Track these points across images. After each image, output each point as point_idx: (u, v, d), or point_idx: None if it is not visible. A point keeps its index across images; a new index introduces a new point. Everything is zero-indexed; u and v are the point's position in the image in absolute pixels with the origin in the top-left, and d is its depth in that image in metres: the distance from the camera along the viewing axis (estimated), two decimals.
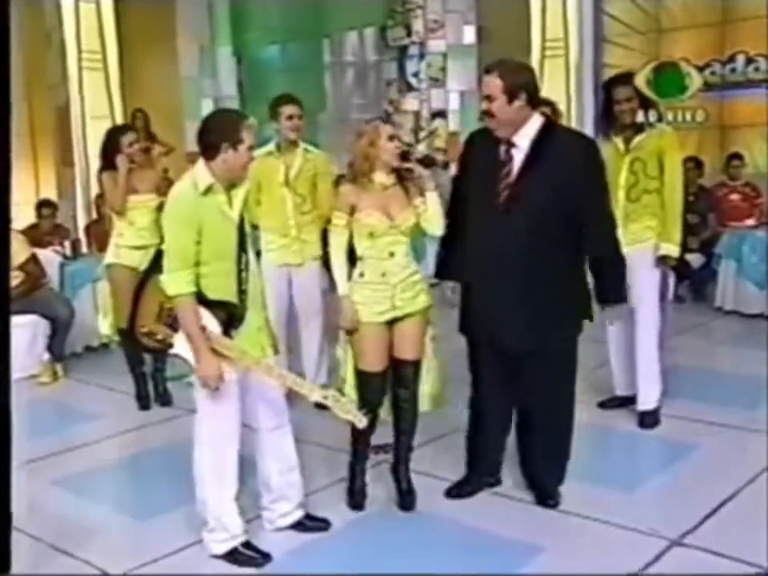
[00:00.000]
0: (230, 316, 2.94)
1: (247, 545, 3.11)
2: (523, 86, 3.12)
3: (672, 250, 4.18)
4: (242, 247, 2.97)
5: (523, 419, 3.47)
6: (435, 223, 3.37)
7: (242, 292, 2.96)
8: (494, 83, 3.12)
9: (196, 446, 3.05)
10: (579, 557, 3.04)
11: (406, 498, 3.47)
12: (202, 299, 2.90)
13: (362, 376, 3.35)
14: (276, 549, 3.16)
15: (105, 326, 5.36)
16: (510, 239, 3.15)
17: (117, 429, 4.70)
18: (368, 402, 3.27)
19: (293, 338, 4.82)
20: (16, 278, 5.65)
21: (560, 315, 3.22)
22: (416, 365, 3.38)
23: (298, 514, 3.30)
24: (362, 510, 3.47)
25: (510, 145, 3.19)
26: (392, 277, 3.29)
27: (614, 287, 3.31)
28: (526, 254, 3.14)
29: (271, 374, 3.01)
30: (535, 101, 3.18)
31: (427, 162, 3.43)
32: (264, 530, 3.29)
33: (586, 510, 3.35)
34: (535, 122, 3.18)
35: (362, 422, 2.98)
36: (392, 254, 3.30)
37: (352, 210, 3.30)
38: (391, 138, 3.29)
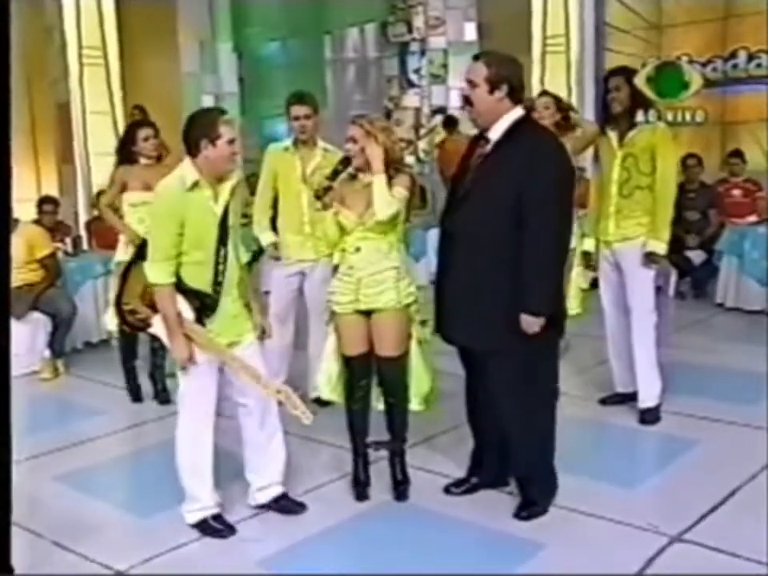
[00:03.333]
0: (202, 304, 3.13)
1: (216, 518, 3.27)
2: (506, 78, 3.09)
3: (659, 247, 4.17)
4: (221, 241, 3.11)
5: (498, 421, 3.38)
6: (377, 206, 3.28)
7: (217, 283, 3.13)
8: (479, 70, 3.11)
9: (178, 420, 3.25)
10: (580, 553, 3.04)
11: (399, 487, 3.53)
12: (179, 287, 3.09)
13: (344, 359, 3.49)
14: (277, 543, 3.19)
15: (112, 323, 5.35)
16: (460, 229, 3.16)
17: (118, 425, 4.71)
18: (353, 382, 3.45)
19: (301, 334, 4.81)
20: (33, 272, 5.69)
21: (509, 315, 3.07)
22: (395, 361, 3.43)
23: (277, 490, 3.41)
24: (364, 500, 3.50)
25: (487, 139, 3.18)
26: (357, 271, 3.38)
27: (532, 297, 3.03)
28: (472, 247, 3.11)
29: (233, 365, 3.16)
30: (517, 95, 3.14)
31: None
32: (265, 524, 3.32)
33: (586, 507, 3.36)
34: (512, 116, 3.13)
35: (308, 418, 3.08)
36: (358, 249, 3.38)
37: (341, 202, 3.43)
38: (347, 140, 3.39)
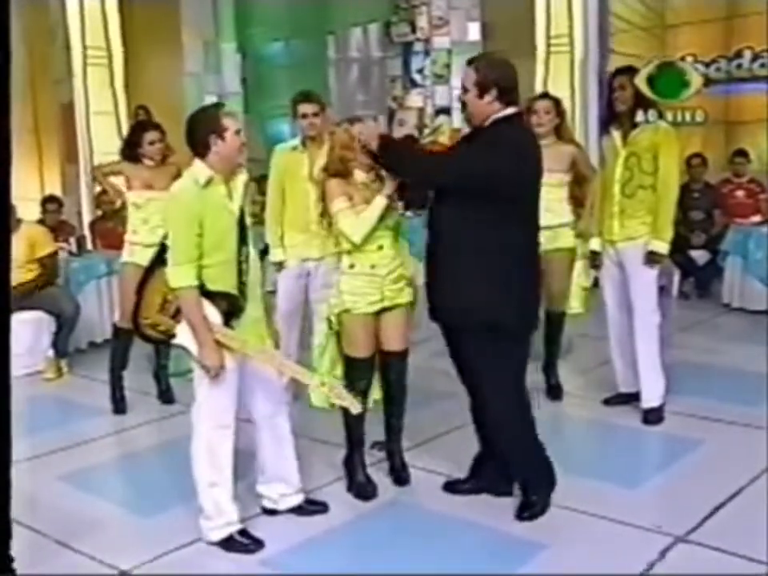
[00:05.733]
0: (231, 306, 3.03)
1: (242, 532, 3.17)
2: (494, 81, 3.12)
3: (661, 247, 4.17)
4: (242, 240, 3.05)
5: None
6: (360, 228, 3.31)
7: (242, 283, 3.05)
8: (470, 75, 3.18)
9: (194, 433, 3.12)
10: (583, 554, 3.03)
11: (400, 474, 3.58)
12: (203, 290, 2.98)
13: (350, 362, 3.44)
14: (279, 543, 3.18)
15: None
16: (439, 219, 3.23)
17: (121, 425, 4.71)
18: (356, 386, 3.36)
19: (306, 333, 4.81)
20: (31, 271, 5.68)
21: (472, 295, 3.12)
22: (403, 354, 3.50)
23: (298, 498, 3.38)
24: (372, 499, 3.50)
25: None
26: (381, 269, 3.37)
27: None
28: (449, 235, 3.17)
29: (272, 363, 3.11)
30: (508, 98, 3.14)
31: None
32: (266, 524, 3.30)
33: (590, 507, 3.35)
34: (498, 116, 3.15)
35: (356, 407, 3.07)
36: (380, 247, 3.37)
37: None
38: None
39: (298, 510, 3.38)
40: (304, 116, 4.52)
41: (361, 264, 3.38)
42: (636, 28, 8.54)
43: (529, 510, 3.31)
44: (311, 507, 3.40)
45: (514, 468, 3.41)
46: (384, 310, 3.41)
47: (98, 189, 7.44)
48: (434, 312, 3.30)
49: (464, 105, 3.26)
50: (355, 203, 3.34)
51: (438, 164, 3.31)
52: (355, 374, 3.44)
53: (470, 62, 3.24)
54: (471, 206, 3.10)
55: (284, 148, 4.71)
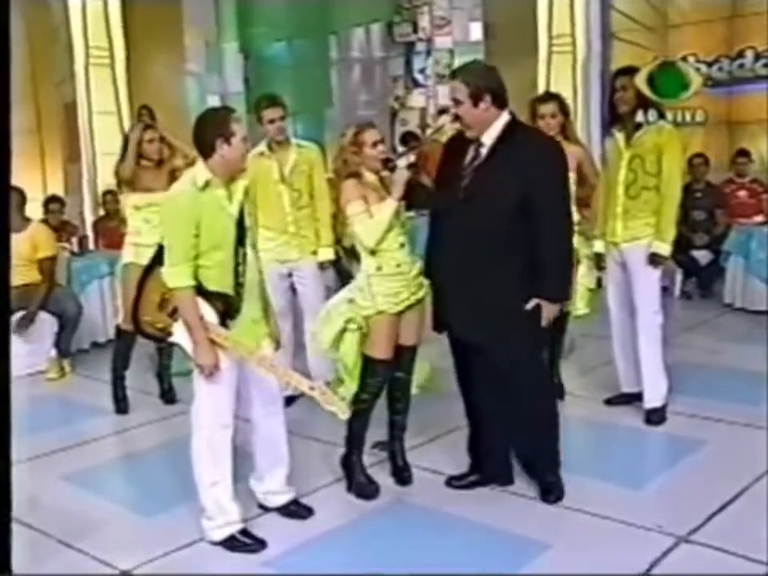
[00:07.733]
0: (227, 307, 3.04)
1: (244, 532, 3.18)
2: (486, 88, 3.18)
3: (663, 248, 4.17)
4: (240, 241, 3.06)
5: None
6: (372, 231, 3.32)
7: (238, 284, 3.06)
8: (460, 89, 3.21)
9: (194, 432, 3.13)
10: (586, 554, 3.03)
11: (403, 473, 3.58)
12: (200, 290, 3.00)
13: (372, 363, 3.42)
14: (282, 543, 3.18)
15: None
16: (462, 230, 3.24)
17: (123, 425, 4.72)
18: (372, 388, 3.40)
19: (299, 334, 4.82)
20: (31, 273, 5.65)
21: (506, 310, 3.22)
22: (415, 350, 3.52)
23: (285, 498, 3.39)
24: (374, 499, 3.50)
25: (479, 144, 3.26)
26: (405, 266, 3.39)
27: (554, 285, 3.27)
28: (474, 245, 3.21)
29: (263, 365, 3.10)
30: (501, 101, 3.21)
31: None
32: (268, 525, 3.30)
33: (592, 507, 3.34)
34: (501, 121, 3.23)
35: (345, 413, 3.09)
36: (402, 245, 3.39)
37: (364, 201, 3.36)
38: (375, 144, 3.35)
39: (283, 510, 3.38)
40: (271, 121, 4.50)
41: (387, 264, 3.36)
42: (639, 27, 8.54)
43: (557, 492, 3.41)
44: (297, 509, 3.39)
45: (547, 453, 3.46)
46: (407, 307, 3.41)
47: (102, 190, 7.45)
48: (449, 326, 3.35)
49: (457, 117, 3.29)
50: (370, 203, 3.34)
51: (567, 222, 3.34)
52: (374, 375, 3.42)
53: (453, 75, 3.31)
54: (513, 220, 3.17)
55: (251, 154, 4.62)
